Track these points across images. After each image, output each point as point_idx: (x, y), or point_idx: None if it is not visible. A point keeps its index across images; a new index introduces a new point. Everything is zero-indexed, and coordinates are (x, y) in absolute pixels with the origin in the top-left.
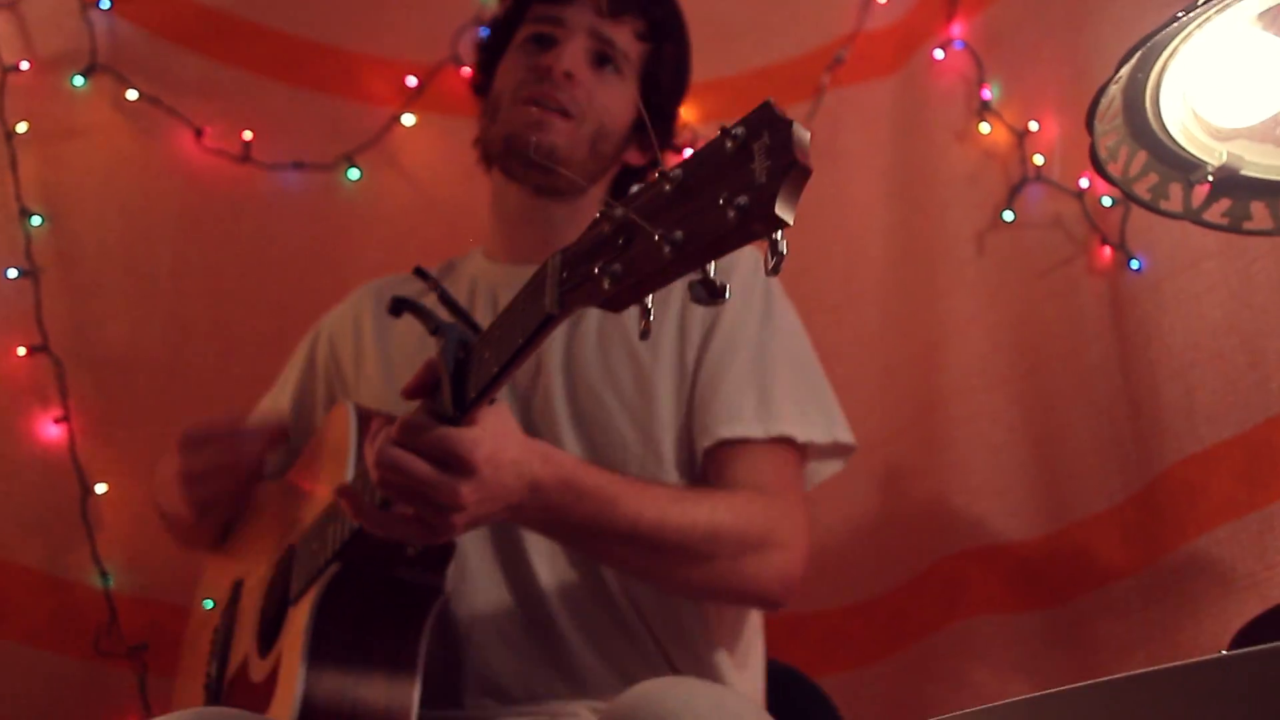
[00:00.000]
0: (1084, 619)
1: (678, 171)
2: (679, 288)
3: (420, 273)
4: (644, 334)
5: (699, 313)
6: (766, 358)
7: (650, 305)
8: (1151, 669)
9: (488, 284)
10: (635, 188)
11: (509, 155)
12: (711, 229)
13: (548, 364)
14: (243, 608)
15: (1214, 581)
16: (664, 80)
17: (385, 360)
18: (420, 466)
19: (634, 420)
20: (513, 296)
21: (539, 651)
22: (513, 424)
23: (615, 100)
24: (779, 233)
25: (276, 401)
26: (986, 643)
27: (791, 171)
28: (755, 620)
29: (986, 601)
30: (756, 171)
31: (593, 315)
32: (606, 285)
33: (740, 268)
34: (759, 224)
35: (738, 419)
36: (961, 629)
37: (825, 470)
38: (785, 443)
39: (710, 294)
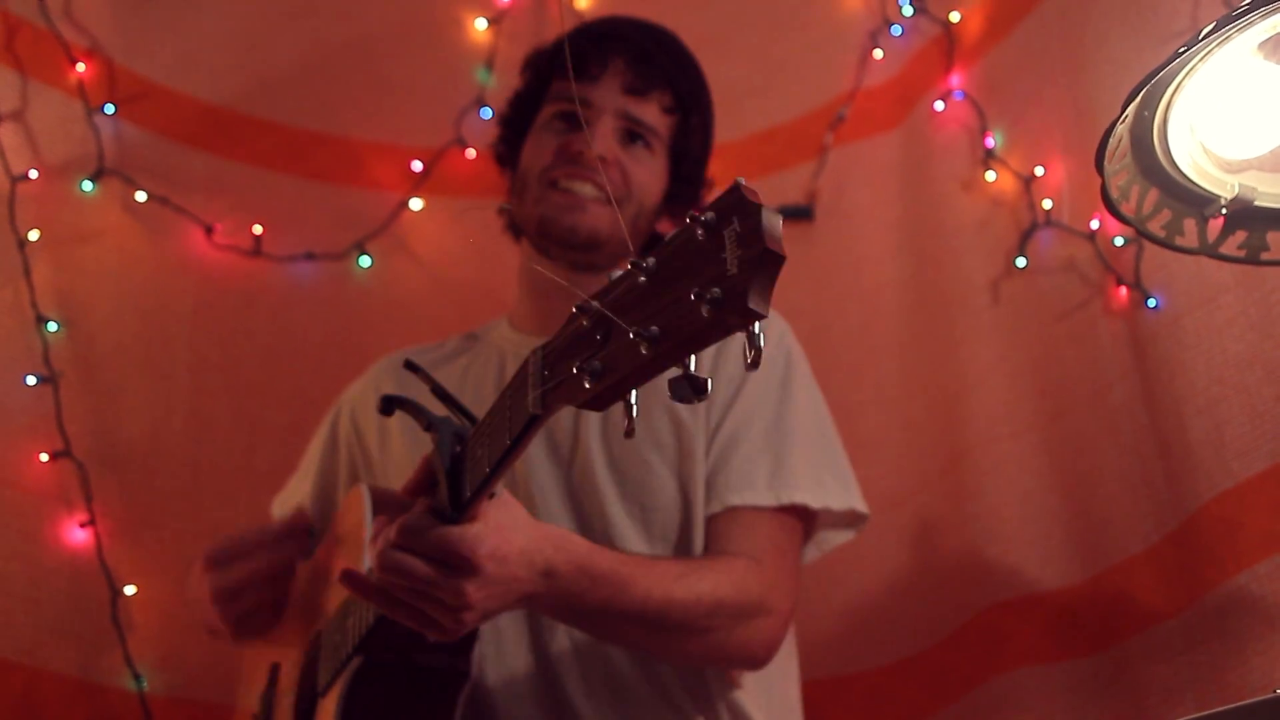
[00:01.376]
0: (1128, 664)
1: (651, 261)
2: (705, 364)
3: (411, 366)
4: (629, 433)
5: (723, 381)
6: (786, 424)
7: (635, 402)
8: (1203, 713)
9: (519, 357)
10: (613, 274)
11: (544, 237)
12: (686, 325)
13: (585, 432)
14: (280, 692)
15: (1259, 618)
16: (693, 149)
17: (410, 436)
18: (422, 569)
19: (680, 485)
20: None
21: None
22: (519, 513)
23: (648, 176)
24: (756, 325)
25: (300, 485)
26: (1032, 694)
27: (764, 260)
28: (791, 678)
29: (1028, 652)
30: (728, 261)
31: None
32: (587, 384)
33: (764, 341)
34: (733, 318)
35: (749, 487)
36: (1005, 682)
37: (836, 538)
38: (794, 511)
39: (694, 390)
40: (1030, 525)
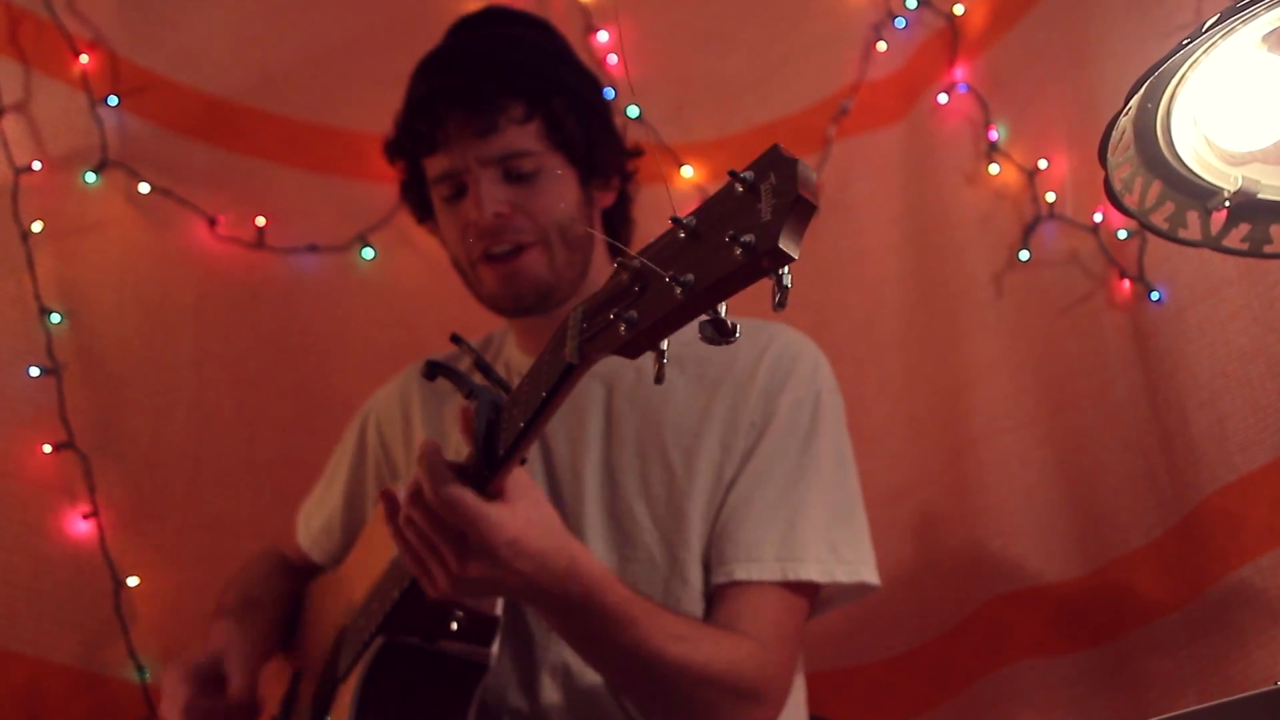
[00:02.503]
0: (1130, 658)
1: (691, 219)
2: (723, 406)
3: (456, 339)
4: (658, 378)
5: (744, 426)
6: (804, 482)
7: (665, 349)
8: (1204, 706)
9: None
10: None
11: (503, 313)
12: (720, 268)
13: (585, 473)
14: (300, 695)
15: (1260, 612)
16: (573, 131)
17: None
18: (443, 526)
19: (663, 539)
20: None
21: None
22: (548, 514)
23: (549, 193)
24: (785, 269)
25: (328, 497)
26: (1033, 687)
27: (796, 207)
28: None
29: (1030, 645)
30: (763, 210)
31: (631, 425)
32: (623, 330)
33: (793, 382)
34: (765, 260)
35: (757, 559)
36: (1007, 674)
37: (845, 599)
38: (801, 586)
39: (720, 333)
40: (1033, 518)
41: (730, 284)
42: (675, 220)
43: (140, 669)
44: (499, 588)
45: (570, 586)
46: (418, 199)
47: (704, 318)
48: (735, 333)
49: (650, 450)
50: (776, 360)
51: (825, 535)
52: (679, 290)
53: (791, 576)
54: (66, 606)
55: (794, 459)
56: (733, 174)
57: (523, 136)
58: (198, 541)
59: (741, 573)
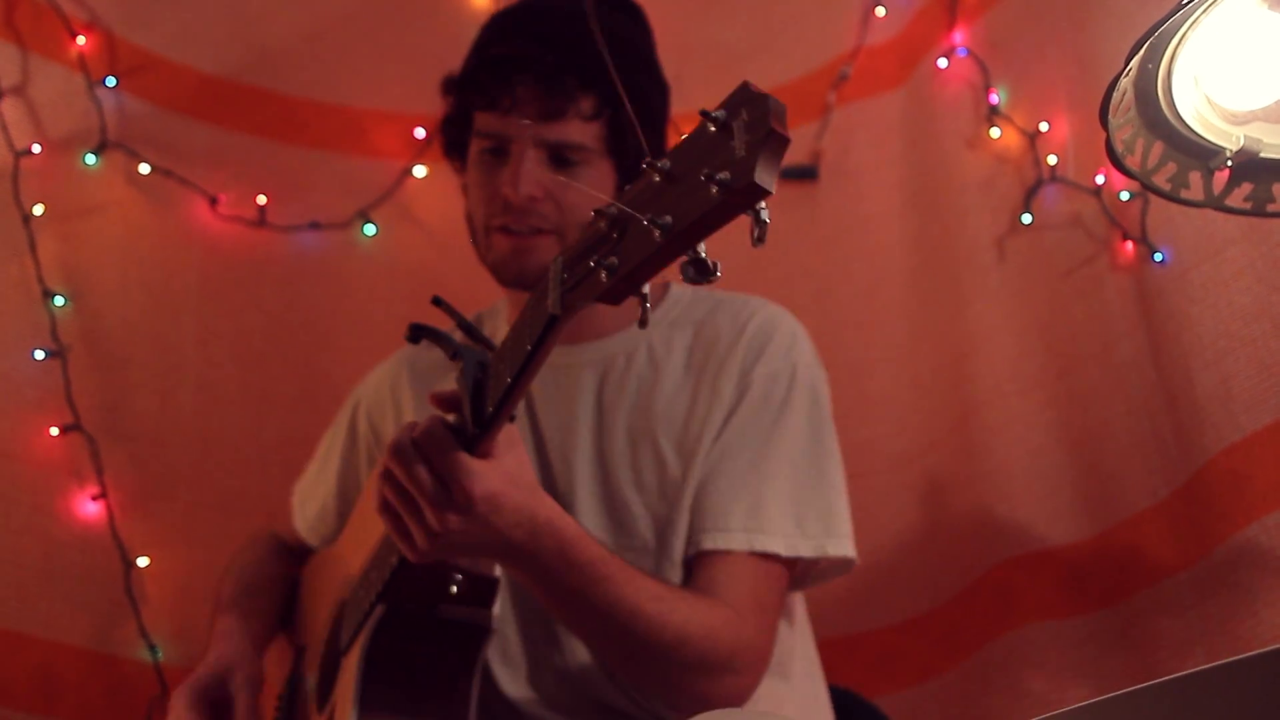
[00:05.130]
0: (1139, 619)
1: (665, 161)
2: (706, 389)
3: (438, 302)
4: (642, 322)
5: (724, 400)
6: (771, 459)
7: (647, 293)
8: (1213, 665)
9: None
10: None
11: (501, 282)
12: (697, 207)
13: (577, 462)
14: (304, 670)
15: (1268, 570)
16: (632, 143)
17: None
18: (422, 477)
19: (656, 527)
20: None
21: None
22: (528, 473)
23: (584, 196)
24: (763, 204)
25: (321, 479)
26: (1042, 650)
27: (769, 141)
28: (798, 632)
29: (1038, 608)
30: (737, 147)
31: (622, 413)
32: (604, 278)
33: (767, 355)
34: (740, 196)
35: (724, 529)
36: (1016, 638)
37: (828, 574)
38: (772, 556)
39: (701, 273)
40: (1039, 482)
41: (708, 222)
42: (650, 163)
43: (152, 648)
44: (477, 545)
45: (544, 541)
46: (455, 139)
47: (684, 259)
48: (717, 271)
49: (641, 439)
50: (753, 336)
51: (791, 509)
52: (658, 233)
53: (758, 548)
54: (77, 588)
55: (765, 431)
56: (704, 113)
57: (583, 132)
58: (206, 520)
59: (709, 542)
